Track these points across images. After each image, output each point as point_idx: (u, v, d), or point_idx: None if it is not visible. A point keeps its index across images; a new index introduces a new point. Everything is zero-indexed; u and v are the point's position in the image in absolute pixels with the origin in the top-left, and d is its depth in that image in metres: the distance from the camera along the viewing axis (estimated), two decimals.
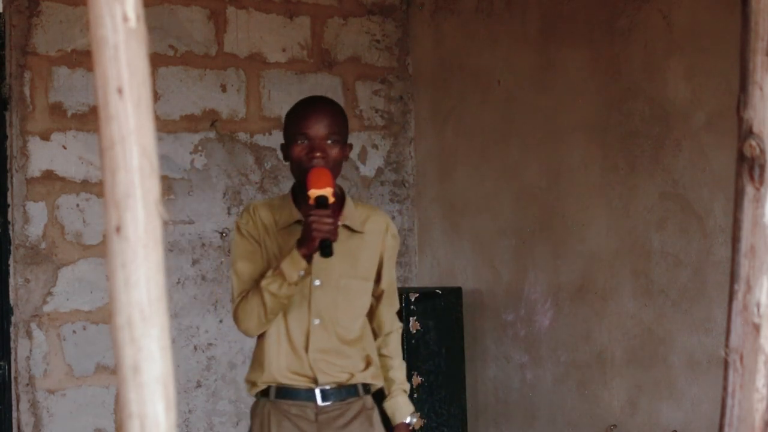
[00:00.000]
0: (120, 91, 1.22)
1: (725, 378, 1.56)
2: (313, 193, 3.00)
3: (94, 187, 4.72)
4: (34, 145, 4.63)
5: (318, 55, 5.27)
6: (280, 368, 3.15)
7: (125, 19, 1.22)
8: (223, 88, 5.04)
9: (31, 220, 4.61)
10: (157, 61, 4.80)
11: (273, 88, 5.16)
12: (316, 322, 3.16)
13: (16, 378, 4.58)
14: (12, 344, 4.59)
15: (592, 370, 4.69)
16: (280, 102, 5.16)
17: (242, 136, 5.08)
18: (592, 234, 4.69)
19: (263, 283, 3.05)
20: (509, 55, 5.05)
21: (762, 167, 1.53)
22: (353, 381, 3.20)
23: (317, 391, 3.16)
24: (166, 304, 1.24)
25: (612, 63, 4.63)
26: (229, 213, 5.02)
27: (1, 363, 4.58)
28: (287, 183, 5.16)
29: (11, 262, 4.59)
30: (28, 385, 4.58)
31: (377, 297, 3.30)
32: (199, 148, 4.98)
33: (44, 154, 4.64)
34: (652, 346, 4.47)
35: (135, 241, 1.22)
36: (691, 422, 4.33)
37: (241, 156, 5.07)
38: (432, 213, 5.45)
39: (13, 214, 4.59)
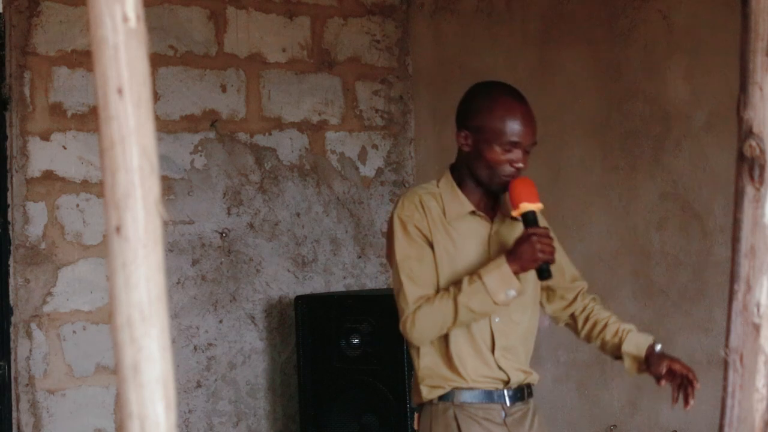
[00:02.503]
0: (120, 91, 1.22)
1: (725, 378, 1.56)
2: (525, 206, 2.85)
3: (94, 187, 4.71)
4: (34, 145, 4.62)
5: (318, 55, 5.27)
6: (469, 370, 2.96)
7: (125, 19, 1.22)
8: (223, 88, 5.04)
9: (31, 220, 4.61)
10: (157, 61, 4.80)
11: (273, 88, 5.15)
12: (497, 320, 2.99)
13: (16, 378, 4.57)
14: (12, 344, 4.58)
15: (592, 370, 4.68)
16: (280, 102, 5.16)
17: (242, 136, 5.08)
18: (592, 234, 4.69)
19: (461, 298, 2.84)
20: (509, 55, 5.05)
21: (762, 167, 1.53)
22: (529, 380, 3.07)
23: (506, 393, 3.00)
24: (166, 304, 1.24)
25: (612, 63, 4.63)
26: (229, 213, 5.02)
27: (1, 363, 4.58)
28: (287, 183, 5.16)
29: (11, 262, 4.58)
30: (28, 385, 4.58)
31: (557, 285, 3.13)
32: (199, 148, 4.97)
33: (44, 155, 4.63)
34: None
35: (135, 241, 1.22)
36: (691, 422, 4.33)
37: (241, 156, 5.06)
38: None
39: (13, 214, 4.59)
